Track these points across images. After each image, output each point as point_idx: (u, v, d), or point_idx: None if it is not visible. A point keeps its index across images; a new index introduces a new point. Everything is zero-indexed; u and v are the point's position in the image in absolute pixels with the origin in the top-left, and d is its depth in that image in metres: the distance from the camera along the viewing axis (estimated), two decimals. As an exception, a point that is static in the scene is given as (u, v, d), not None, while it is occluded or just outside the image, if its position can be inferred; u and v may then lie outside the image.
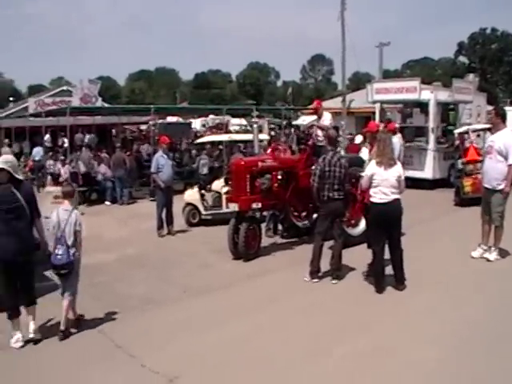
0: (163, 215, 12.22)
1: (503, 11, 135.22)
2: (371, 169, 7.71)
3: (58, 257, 6.43)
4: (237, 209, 9.87)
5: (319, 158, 9.32)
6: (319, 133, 11.10)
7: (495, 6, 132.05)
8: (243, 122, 38.37)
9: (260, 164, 10.27)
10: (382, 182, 7.56)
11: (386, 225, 7.63)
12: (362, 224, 9.90)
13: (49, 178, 18.69)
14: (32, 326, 6.47)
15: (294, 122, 39.08)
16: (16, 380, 5.64)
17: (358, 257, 8.71)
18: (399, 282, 7.71)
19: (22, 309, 6.52)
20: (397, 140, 11.87)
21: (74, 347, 6.32)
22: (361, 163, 9.66)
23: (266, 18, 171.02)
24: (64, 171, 17.80)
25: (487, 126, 15.21)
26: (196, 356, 5.82)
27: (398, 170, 7.64)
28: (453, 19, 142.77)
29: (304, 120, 39.06)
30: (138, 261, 10.06)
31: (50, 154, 21.59)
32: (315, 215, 10.58)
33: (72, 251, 6.51)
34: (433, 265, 8.84)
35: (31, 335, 6.42)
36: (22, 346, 6.31)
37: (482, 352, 5.67)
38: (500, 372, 5.25)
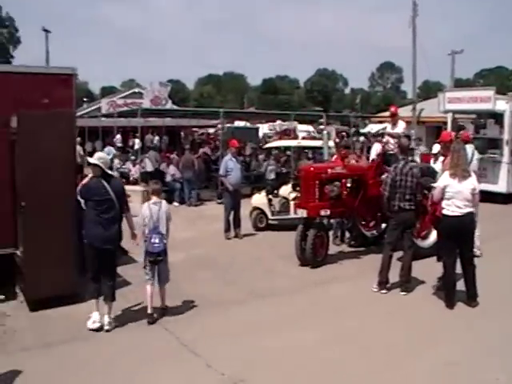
0: (231, 218, 12.32)
1: None
2: (444, 180, 7.50)
3: (156, 245, 7.05)
4: (305, 215, 9.79)
5: (390, 167, 9.22)
6: (391, 141, 10.95)
7: None
8: (310, 128, 38.26)
9: (329, 171, 10.19)
10: (455, 194, 7.33)
11: (457, 238, 7.41)
12: (433, 236, 9.61)
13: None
14: (107, 319, 6.81)
15: (362, 130, 38.65)
16: (84, 372, 5.76)
17: (429, 270, 8.45)
18: (471, 298, 7.47)
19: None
20: (469, 150, 11.28)
21: (140, 343, 6.45)
22: (432, 173, 9.44)
23: (335, 23, 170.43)
24: (134, 171, 18.27)
25: None
26: (262, 361, 5.83)
27: (472, 183, 7.39)
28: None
29: (372, 128, 38.58)
30: (204, 262, 10.18)
31: (118, 153, 22.25)
32: (384, 225, 10.46)
33: (165, 240, 7.19)
34: (505, 283, 8.50)
35: (106, 327, 6.80)
36: (97, 330, 6.73)
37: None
38: None
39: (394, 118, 11.38)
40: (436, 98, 21.20)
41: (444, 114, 20.23)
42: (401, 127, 11.17)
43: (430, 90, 56.71)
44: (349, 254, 10.63)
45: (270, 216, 12.98)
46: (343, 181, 10.31)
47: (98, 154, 7.46)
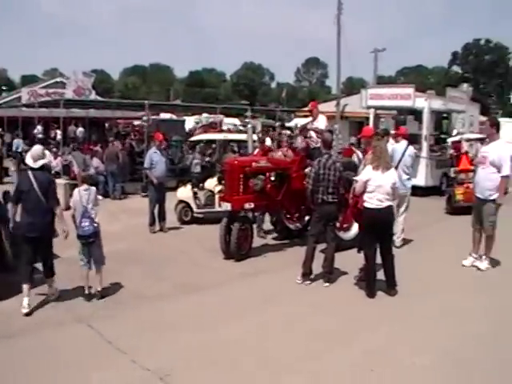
0: (155, 211, 12.20)
1: (498, 23, 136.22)
2: (367, 174, 7.74)
3: (86, 228, 7.54)
4: (229, 208, 9.80)
5: (314, 161, 9.39)
6: (313, 135, 11.05)
7: (490, 17, 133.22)
8: (236, 121, 38.34)
9: (254, 164, 10.21)
10: (377, 187, 7.59)
11: (378, 230, 7.68)
12: (354, 228, 9.96)
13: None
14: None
15: (287, 124, 38.98)
16: (9, 371, 5.57)
17: (350, 261, 8.71)
18: (390, 287, 7.77)
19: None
20: (404, 145, 11.62)
21: (64, 339, 6.29)
22: (354, 167, 9.80)
23: (263, 17, 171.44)
24: (56, 163, 17.70)
25: (480, 135, 15.36)
26: (187, 354, 5.81)
27: (393, 177, 7.69)
28: (448, 29, 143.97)
29: (297, 123, 38.95)
30: (129, 256, 10.00)
31: (27, 148, 21.50)
32: (307, 218, 10.72)
33: (95, 224, 7.64)
34: (423, 272, 8.88)
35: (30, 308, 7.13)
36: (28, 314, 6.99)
37: (478, 360, 5.72)
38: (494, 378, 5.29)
39: (314, 113, 11.40)
40: (359, 94, 21.82)
41: (366, 109, 20.85)
42: (322, 122, 11.24)
43: (353, 86, 58.05)
44: (273, 247, 10.75)
45: (195, 209, 12.95)
46: (267, 174, 10.30)
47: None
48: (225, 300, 7.64)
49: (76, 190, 7.86)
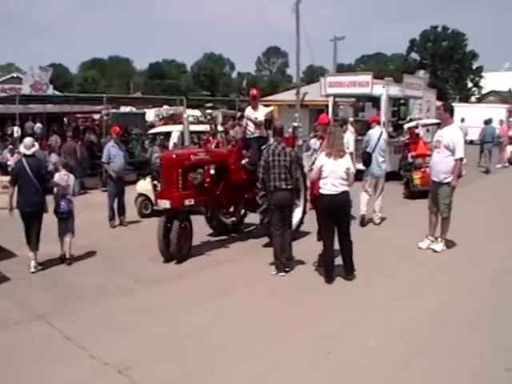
0: (115, 206, 12.09)
1: (454, 10, 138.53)
2: (321, 160, 7.84)
3: (62, 207, 9.08)
4: (168, 206, 9.08)
5: (249, 151, 9.69)
6: (250, 125, 10.49)
7: (447, 4, 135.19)
8: (197, 113, 38.12)
9: (192, 157, 9.61)
10: (330, 173, 7.69)
11: (335, 216, 7.77)
12: (295, 219, 9.96)
13: (-5, 167, 18.19)
14: (33, 263, 8.73)
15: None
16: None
17: (310, 247, 8.80)
18: (348, 272, 7.89)
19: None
20: (378, 131, 12.20)
21: (22, 339, 6.19)
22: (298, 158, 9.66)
23: (223, 7, 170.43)
24: (13, 160, 17.32)
25: (436, 120, 15.64)
26: (147, 347, 5.79)
27: (347, 162, 7.78)
28: (405, 17, 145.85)
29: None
30: (89, 251, 9.91)
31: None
32: (243, 211, 10.93)
33: (71, 204, 9.22)
34: (381, 256, 9.06)
35: (33, 269, 8.67)
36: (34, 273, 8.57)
37: (434, 341, 5.86)
38: (453, 360, 5.43)
39: (255, 101, 10.63)
40: (319, 82, 21.94)
41: (325, 97, 20.98)
42: (261, 111, 10.53)
43: (313, 74, 58.22)
44: (213, 244, 10.28)
45: (155, 202, 12.85)
46: (206, 167, 9.62)
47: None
48: (183, 292, 7.64)
49: (57, 174, 9.42)
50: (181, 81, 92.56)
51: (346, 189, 7.79)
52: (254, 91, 10.69)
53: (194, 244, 9.55)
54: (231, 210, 10.94)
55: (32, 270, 8.66)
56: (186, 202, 9.25)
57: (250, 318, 6.60)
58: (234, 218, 10.99)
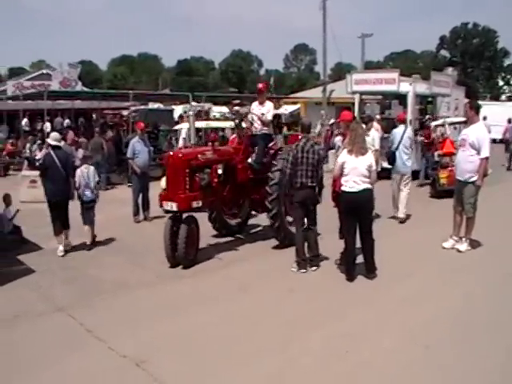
0: (139, 201, 12.20)
1: (485, 7, 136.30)
2: (342, 157, 7.80)
3: (87, 196, 9.91)
4: (175, 208, 8.58)
5: (255, 150, 9.52)
6: (256, 120, 10.06)
7: (478, 1, 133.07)
8: (224, 109, 38.22)
9: (200, 156, 9.11)
10: (352, 170, 7.63)
11: (356, 214, 7.71)
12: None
13: (25, 162, 18.50)
14: (61, 248, 9.52)
15: (275, 111, 38.87)
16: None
17: (333, 245, 8.73)
18: (370, 271, 7.83)
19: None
20: (401, 129, 12.29)
21: (44, 330, 6.31)
22: None
23: (251, 4, 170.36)
24: (41, 155, 17.58)
25: (463, 119, 15.39)
26: (164, 341, 5.84)
27: (369, 159, 7.71)
28: (435, 13, 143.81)
29: (286, 109, 39.06)
30: (113, 246, 10.06)
31: (29, 138, 21.39)
32: (248, 211, 10.68)
33: (95, 192, 10.05)
34: (404, 255, 8.98)
35: (61, 253, 9.45)
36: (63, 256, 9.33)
37: (451, 342, 5.79)
38: (465, 363, 5.35)
39: (262, 96, 10.20)
40: (345, 80, 21.78)
41: (351, 94, 20.83)
42: (268, 107, 10.10)
43: (341, 72, 57.90)
44: (221, 246, 9.90)
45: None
46: (213, 167, 9.23)
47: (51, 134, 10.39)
48: (200, 289, 7.64)
49: (78, 170, 10.05)
50: (209, 78, 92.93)
51: (369, 186, 7.72)
52: (260, 85, 10.29)
53: (202, 244, 9.23)
54: (236, 210, 10.60)
55: (60, 253, 9.41)
56: (194, 204, 8.74)
57: (267, 315, 6.59)
58: (239, 220, 10.68)
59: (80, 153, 17.60)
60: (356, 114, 19.49)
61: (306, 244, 8.40)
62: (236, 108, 26.04)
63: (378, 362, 5.34)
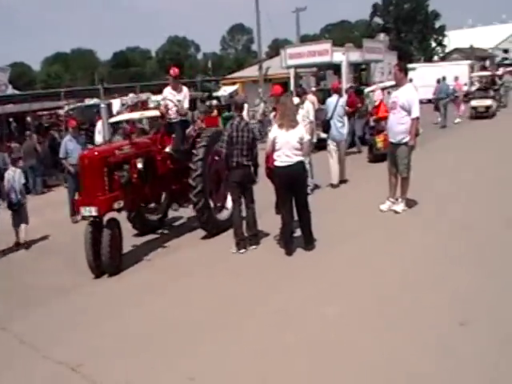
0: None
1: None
2: (273, 132, 7.71)
3: (13, 199, 10.16)
4: (94, 213, 7.73)
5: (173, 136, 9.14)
6: (171, 107, 9.45)
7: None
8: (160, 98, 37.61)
9: (117, 152, 8.39)
10: (284, 144, 7.54)
11: (291, 187, 7.64)
12: (229, 207, 9.52)
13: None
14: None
15: (216, 94, 38.79)
16: None
17: (272, 222, 8.66)
18: (308, 242, 7.79)
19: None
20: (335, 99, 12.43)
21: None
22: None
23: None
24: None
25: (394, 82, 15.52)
26: (101, 343, 5.65)
27: (299, 132, 7.63)
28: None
29: (225, 90, 38.82)
30: (49, 250, 9.78)
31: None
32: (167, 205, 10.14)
33: (19, 196, 10.25)
34: (342, 221, 9.04)
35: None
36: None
37: (393, 306, 5.79)
38: (408, 322, 5.37)
39: (175, 81, 9.65)
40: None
41: (287, 69, 20.80)
42: (184, 94, 9.63)
43: (279, 48, 57.84)
44: (147, 247, 9.27)
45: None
46: (132, 162, 8.47)
47: None
48: (136, 285, 7.39)
49: (6, 173, 10.49)
50: (146, 67, 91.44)
51: (301, 159, 7.67)
52: (174, 70, 9.63)
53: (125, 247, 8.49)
54: (156, 205, 9.98)
55: None
56: (115, 206, 8.06)
57: (209, 297, 6.49)
58: (159, 214, 10.16)
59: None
60: (292, 87, 19.51)
61: (244, 223, 8.29)
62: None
63: (320, 334, 5.29)
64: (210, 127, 9.98)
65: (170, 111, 9.45)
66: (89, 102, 33.50)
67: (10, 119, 27.38)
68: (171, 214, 10.44)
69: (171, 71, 9.62)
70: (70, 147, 12.08)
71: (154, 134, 9.86)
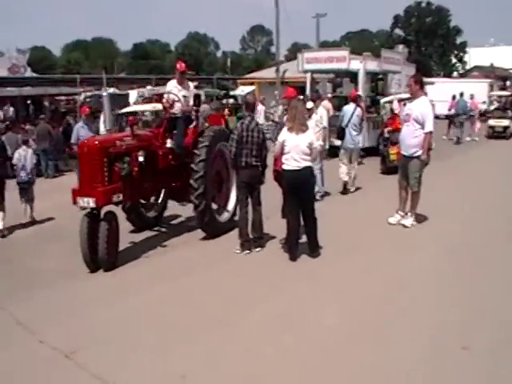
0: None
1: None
2: (283, 135, 7.66)
3: (22, 177, 10.53)
4: (92, 204, 7.49)
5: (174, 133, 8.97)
6: (176, 103, 9.23)
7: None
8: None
9: (118, 143, 8.09)
10: (292, 148, 7.50)
11: (298, 192, 7.59)
12: (230, 209, 9.60)
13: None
14: None
15: (233, 93, 38.84)
16: None
17: (280, 226, 8.61)
18: (313, 250, 7.75)
19: None
20: (352, 107, 12.54)
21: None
22: (226, 137, 9.06)
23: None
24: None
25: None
26: (96, 331, 5.66)
27: (309, 137, 7.59)
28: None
29: (243, 90, 38.83)
30: (55, 234, 9.77)
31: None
32: (165, 201, 9.99)
33: (30, 175, 10.67)
34: (350, 232, 8.97)
35: None
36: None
37: (393, 317, 5.75)
38: (406, 338, 5.32)
39: (182, 76, 9.37)
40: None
41: (303, 73, 20.75)
42: (190, 90, 9.46)
43: (298, 52, 57.83)
44: (145, 244, 9.06)
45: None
46: (133, 154, 8.18)
47: None
48: (140, 279, 7.32)
49: (16, 152, 10.76)
50: (165, 61, 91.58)
51: (309, 164, 7.61)
52: (180, 64, 9.37)
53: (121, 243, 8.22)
54: (154, 201, 9.79)
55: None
56: (114, 198, 7.78)
57: (208, 298, 6.44)
58: (156, 211, 9.93)
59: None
60: (308, 92, 19.47)
61: (249, 224, 8.26)
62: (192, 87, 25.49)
63: (318, 339, 5.27)
64: (214, 126, 9.67)
65: (174, 105, 9.22)
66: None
67: (28, 101, 27.49)
68: (169, 212, 10.29)
69: (178, 65, 9.38)
70: (82, 133, 12.15)
71: (155, 128, 9.53)
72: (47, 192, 13.63)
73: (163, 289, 6.82)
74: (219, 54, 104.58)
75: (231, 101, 32.16)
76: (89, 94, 26.22)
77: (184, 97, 9.21)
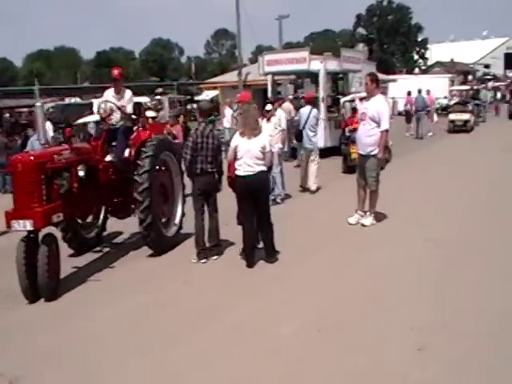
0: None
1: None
2: (235, 140, 7.53)
3: None
4: (30, 227, 6.66)
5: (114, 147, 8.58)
6: (114, 113, 8.69)
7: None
8: (145, 99, 37.40)
9: (56, 158, 7.31)
10: (245, 153, 7.37)
11: (251, 197, 7.45)
12: (177, 221, 9.20)
13: None
14: None
15: (197, 98, 38.74)
16: None
17: (238, 232, 8.46)
18: (270, 255, 7.61)
19: None
20: (308, 110, 12.70)
21: None
22: (169, 146, 8.95)
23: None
24: None
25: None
26: (41, 355, 5.38)
27: (262, 141, 7.45)
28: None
29: (207, 95, 38.70)
30: (10, 251, 9.41)
31: None
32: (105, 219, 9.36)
33: None
34: (308, 233, 8.93)
35: None
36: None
37: (351, 324, 5.64)
38: (364, 343, 5.22)
39: (118, 84, 8.88)
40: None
41: (264, 76, 20.69)
42: (128, 98, 8.94)
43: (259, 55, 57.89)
44: (90, 268, 8.22)
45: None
46: (72, 169, 7.51)
47: None
48: (85, 301, 6.84)
49: None
50: (129, 68, 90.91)
51: (263, 168, 7.47)
52: (115, 71, 8.86)
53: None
54: (94, 219, 9.10)
55: None
56: (54, 219, 7.02)
57: (159, 311, 6.24)
58: (96, 230, 9.15)
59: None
60: (269, 94, 19.42)
61: (205, 233, 8.08)
62: (158, 97, 25.23)
63: (275, 350, 5.12)
64: (156, 135, 9.02)
65: (111, 116, 8.67)
66: (70, 100, 33.20)
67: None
68: (109, 229, 9.65)
69: (112, 73, 8.89)
70: (36, 147, 11.83)
71: (93, 140, 8.80)
72: (5, 208, 13.26)
73: (116, 309, 6.47)
74: (184, 59, 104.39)
75: (195, 106, 32.00)
76: (51, 104, 25.71)
77: (122, 106, 8.75)
